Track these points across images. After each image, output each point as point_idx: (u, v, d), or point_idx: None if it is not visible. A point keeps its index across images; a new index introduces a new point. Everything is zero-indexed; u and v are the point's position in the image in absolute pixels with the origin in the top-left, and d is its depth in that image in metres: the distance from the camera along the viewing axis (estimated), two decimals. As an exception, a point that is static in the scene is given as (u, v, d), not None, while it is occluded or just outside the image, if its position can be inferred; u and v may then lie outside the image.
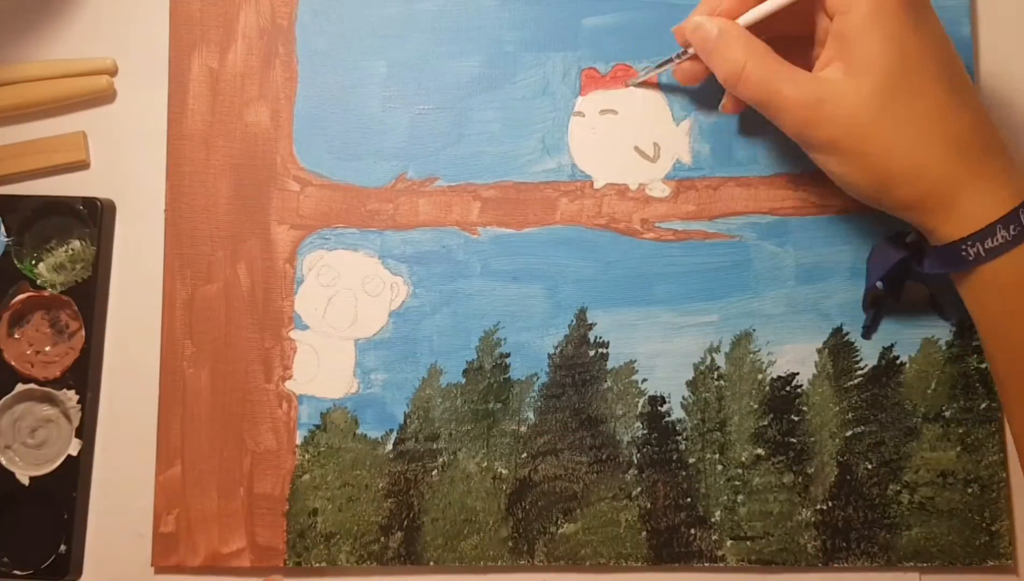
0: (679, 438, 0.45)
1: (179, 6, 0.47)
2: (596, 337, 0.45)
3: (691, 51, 0.42)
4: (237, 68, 0.47)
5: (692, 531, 0.44)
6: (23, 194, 0.46)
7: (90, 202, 0.45)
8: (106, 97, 0.47)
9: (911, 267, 0.41)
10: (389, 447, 0.45)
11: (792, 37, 0.41)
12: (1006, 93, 0.46)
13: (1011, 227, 0.36)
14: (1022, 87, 0.46)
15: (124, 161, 0.47)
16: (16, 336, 0.46)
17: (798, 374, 0.45)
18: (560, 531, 0.44)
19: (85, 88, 0.47)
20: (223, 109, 0.46)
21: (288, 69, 0.47)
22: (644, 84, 0.46)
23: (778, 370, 0.45)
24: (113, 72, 0.47)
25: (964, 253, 0.37)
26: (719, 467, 0.44)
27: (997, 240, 0.37)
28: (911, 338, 0.45)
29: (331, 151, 0.46)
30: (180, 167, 0.46)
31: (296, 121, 0.46)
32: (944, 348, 0.45)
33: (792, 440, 0.44)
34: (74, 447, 0.44)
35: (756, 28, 0.40)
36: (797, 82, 0.38)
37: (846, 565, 0.44)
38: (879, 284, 0.43)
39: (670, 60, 0.43)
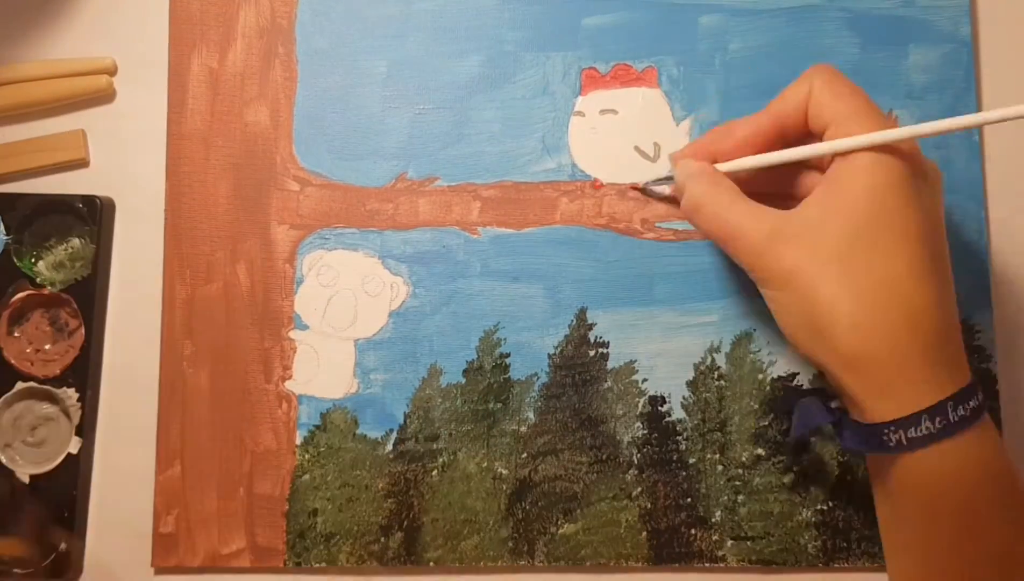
0: (679, 438, 0.45)
1: (179, 6, 0.47)
2: (596, 337, 0.45)
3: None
4: (237, 68, 0.47)
5: (692, 531, 0.44)
6: (22, 192, 0.46)
7: (89, 200, 0.45)
8: (106, 97, 0.47)
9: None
10: (389, 447, 0.45)
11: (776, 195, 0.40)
12: (1007, 93, 0.46)
13: (937, 419, 0.34)
14: (1022, 88, 0.46)
15: (123, 160, 0.47)
16: (16, 334, 0.46)
17: (799, 374, 0.45)
18: (560, 531, 0.44)
19: (85, 88, 0.47)
20: (223, 109, 0.46)
21: (288, 69, 0.47)
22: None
23: (779, 370, 0.45)
24: (113, 72, 0.47)
25: (886, 437, 0.34)
26: (719, 467, 0.44)
27: (921, 430, 0.34)
28: (911, 338, 0.45)
29: (331, 151, 0.46)
30: (180, 167, 0.46)
31: (296, 121, 0.46)
32: (944, 348, 0.44)
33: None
34: (74, 445, 0.44)
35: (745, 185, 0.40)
36: (756, 215, 0.37)
37: (847, 565, 0.44)
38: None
39: (662, 180, 0.45)
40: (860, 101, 0.37)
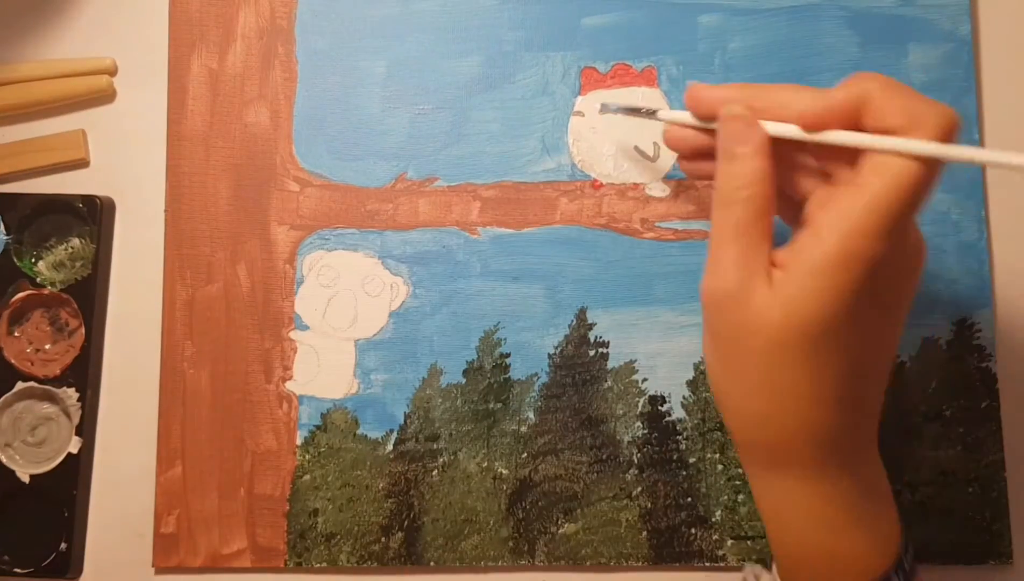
0: (679, 438, 0.45)
1: (178, 6, 0.47)
2: (596, 337, 0.45)
3: (685, 119, 0.37)
4: (236, 68, 0.47)
5: (693, 531, 0.44)
6: (22, 192, 0.46)
7: (89, 200, 0.45)
8: (106, 97, 0.47)
9: None
10: (389, 447, 0.45)
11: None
12: (1007, 93, 0.46)
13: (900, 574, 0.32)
14: (1023, 88, 0.46)
15: (124, 160, 0.47)
16: (16, 334, 0.46)
17: (798, 374, 0.45)
18: (560, 531, 0.44)
19: (85, 88, 0.47)
20: (222, 109, 0.46)
21: (287, 69, 0.47)
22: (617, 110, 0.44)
23: (778, 370, 0.45)
24: (113, 72, 0.47)
25: None
26: (720, 467, 0.44)
27: None
28: (911, 337, 0.45)
29: (331, 151, 0.46)
30: (180, 167, 0.46)
31: (296, 121, 0.46)
32: (944, 348, 0.45)
33: (792, 440, 0.44)
34: (74, 445, 0.45)
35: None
36: (749, 263, 0.32)
37: (846, 565, 0.44)
38: None
39: (642, 111, 0.41)
40: (926, 106, 0.32)
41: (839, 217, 0.31)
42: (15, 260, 0.45)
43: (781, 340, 0.31)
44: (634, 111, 0.43)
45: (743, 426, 0.34)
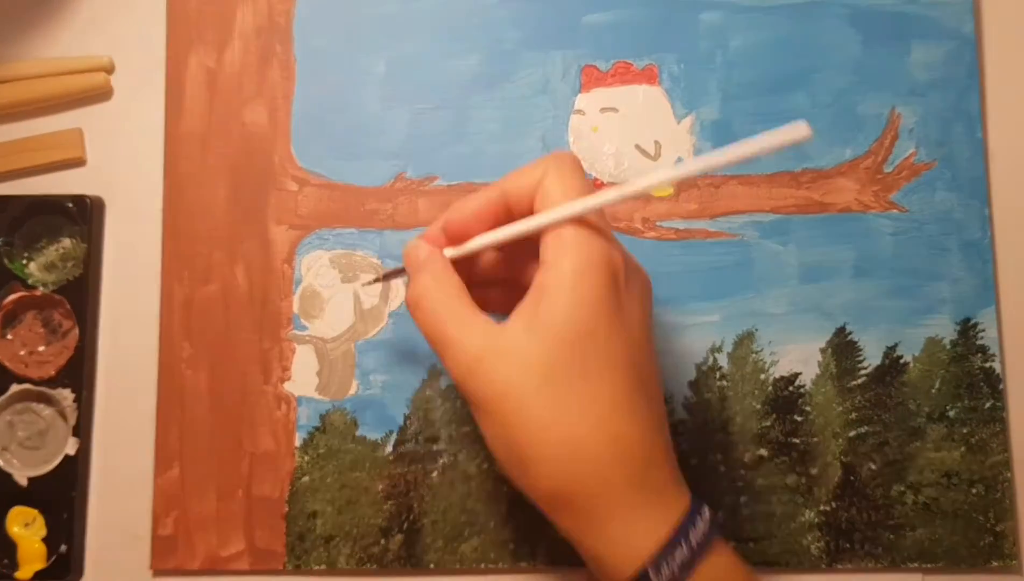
0: (681, 439, 0.44)
1: (176, 4, 0.46)
2: (597, 337, 0.45)
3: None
4: (234, 67, 0.46)
5: (694, 532, 0.44)
6: (13, 194, 0.46)
7: (79, 200, 0.45)
8: (103, 95, 0.47)
9: None
10: (389, 449, 0.45)
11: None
12: (1010, 91, 0.46)
13: (683, 544, 0.32)
14: (1026, 84, 0.46)
15: (121, 159, 0.47)
16: (9, 337, 0.45)
17: (801, 374, 0.44)
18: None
19: (82, 85, 0.46)
20: (220, 108, 0.46)
21: (286, 68, 0.46)
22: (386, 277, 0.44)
23: (781, 370, 0.45)
24: (110, 70, 0.47)
25: None
26: (722, 468, 0.44)
27: (678, 559, 0.31)
28: (915, 337, 0.44)
29: (329, 150, 0.46)
30: (177, 167, 0.46)
31: (294, 120, 0.46)
32: (948, 347, 0.44)
33: (795, 440, 0.44)
34: (71, 446, 0.44)
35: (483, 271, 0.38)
36: (471, 326, 0.33)
37: (850, 566, 0.43)
38: None
39: (396, 271, 0.41)
40: (586, 184, 0.34)
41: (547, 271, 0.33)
42: (6, 262, 0.45)
43: (552, 360, 0.32)
44: (387, 277, 0.44)
45: (560, 470, 0.33)
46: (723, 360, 0.45)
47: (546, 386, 0.32)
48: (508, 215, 0.36)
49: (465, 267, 0.37)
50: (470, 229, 0.36)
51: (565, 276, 0.32)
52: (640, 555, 0.32)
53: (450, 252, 0.36)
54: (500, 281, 0.38)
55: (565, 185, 0.34)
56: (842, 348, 0.44)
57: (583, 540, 0.33)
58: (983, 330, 0.44)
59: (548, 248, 0.33)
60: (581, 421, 0.32)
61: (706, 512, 0.34)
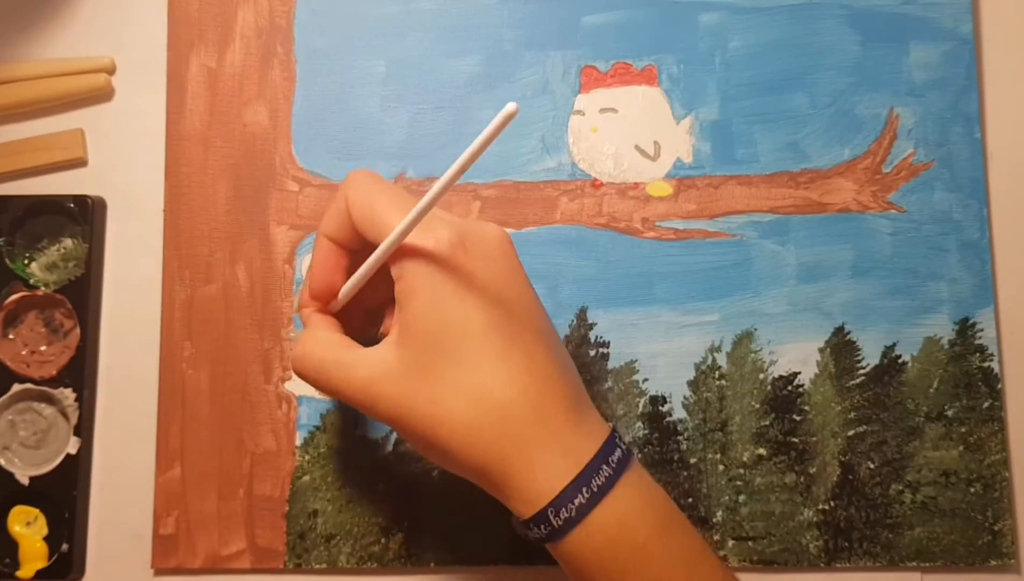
0: (680, 438, 0.44)
1: (177, 5, 0.47)
2: (597, 337, 0.45)
3: None
4: (235, 68, 0.46)
5: (693, 531, 0.44)
6: (14, 194, 0.46)
7: (80, 200, 0.45)
8: (104, 95, 0.47)
9: None
10: (389, 448, 0.45)
11: None
12: (1008, 92, 0.46)
13: (583, 490, 0.33)
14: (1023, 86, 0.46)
15: (122, 160, 0.47)
16: (10, 337, 0.45)
17: (800, 373, 0.45)
18: (561, 532, 0.44)
19: (83, 86, 0.46)
20: (221, 109, 0.46)
21: (287, 69, 0.46)
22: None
23: (780, 369, 0.45)
24: (111, 70, 0.47)
25: (555, 519, 0.33)
26: (721, 467, 0.44)
27: (582, 499, 0.33)
28: (913, 337, 0.45)
29: (330, 151, 0.46)
30: (178, 167, 0.46)
31: (295, 121, 0.46)
32: (946, 347, 0.44)
33: (794, 440, 0.44)
34: (73, 445, 0.44)
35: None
36: (351, 365, 0.35)
37: (848, 565, 0.43)
38: None
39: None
40: (388, 193, 0.35)
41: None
42: (8, 262, 0.45)
43: (420, 357, 0.34)
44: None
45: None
46: (722, 360, 0.45)
47: (423, 386, 0.34)
48: (349, 252, 0.37)
49: (357, 302, 0.38)
50: (331, 283, 0.38)
51: (407, 283, 0.34)
52: (542, 499, 0.33)
53: (336, 303, 0.38)
54: (389, 299, 0.38)
55: (364, 197, 0.35)
56: (841, 348, 0.45)
57: (507, 501, 0.35)
58: (981, 330, 0.44)
59: (392, 265, 0.35)
60: (467, 404, 0.34)
61: (622, 441, 0.35)
